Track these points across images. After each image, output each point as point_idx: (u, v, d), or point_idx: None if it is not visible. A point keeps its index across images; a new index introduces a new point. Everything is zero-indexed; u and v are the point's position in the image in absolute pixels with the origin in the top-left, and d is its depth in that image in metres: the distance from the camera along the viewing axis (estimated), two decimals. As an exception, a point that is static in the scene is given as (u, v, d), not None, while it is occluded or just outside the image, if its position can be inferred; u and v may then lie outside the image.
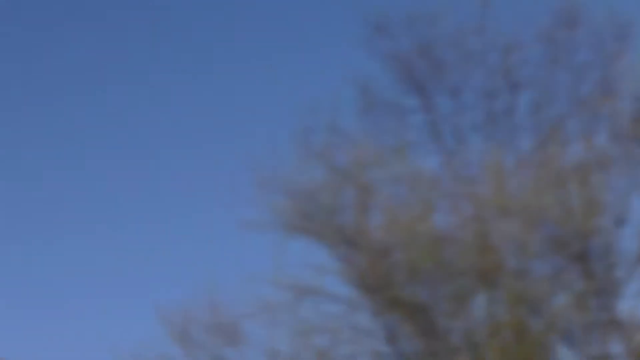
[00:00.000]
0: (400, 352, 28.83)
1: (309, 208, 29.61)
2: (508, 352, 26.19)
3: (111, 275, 76.68)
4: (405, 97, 29.87)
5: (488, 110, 29.02)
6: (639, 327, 27.10)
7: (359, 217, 29.19)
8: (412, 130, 29.65)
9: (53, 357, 69.59)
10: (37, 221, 75.57)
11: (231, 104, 69.55)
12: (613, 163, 27.84)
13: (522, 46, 28.99)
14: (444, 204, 28.67)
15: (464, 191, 28.07)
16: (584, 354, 26.92)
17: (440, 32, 29.20)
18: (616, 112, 28.32)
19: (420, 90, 29.69)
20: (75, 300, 75.09)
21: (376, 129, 29.66)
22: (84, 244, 77.78)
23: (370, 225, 29.09)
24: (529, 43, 29.03)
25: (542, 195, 26.59)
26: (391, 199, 28.99)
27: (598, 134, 28.36)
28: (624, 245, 27.57)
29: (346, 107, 29.53)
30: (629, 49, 28.61)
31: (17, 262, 75.44)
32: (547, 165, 27.27)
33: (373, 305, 29.08)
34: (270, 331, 34.14)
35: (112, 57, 65.60)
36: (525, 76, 29.04)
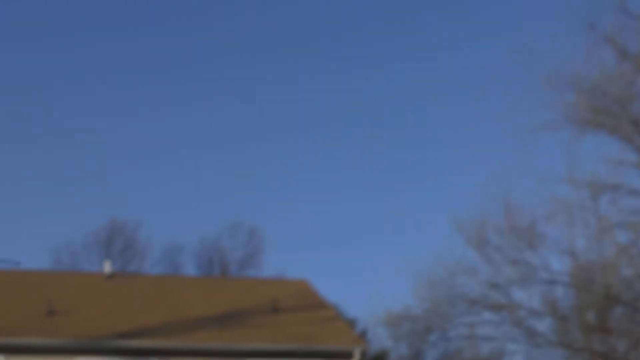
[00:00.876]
0: None
1: (601, 101, 28.49)
2: None
3: (409, 190, 78.04)
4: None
5: None
6: None
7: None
8: None
9: (356, 270, 72.39)
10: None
11: None
12: None
13: None
14: None
15: None
16: None
17: None
18: None
19: None
20: (377, 214, 77.33)
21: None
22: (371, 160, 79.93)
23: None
24: None
25: None
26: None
27: None
28: None
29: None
30: None
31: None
32: None
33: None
34: (569, 231, 33.62)
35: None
36: None
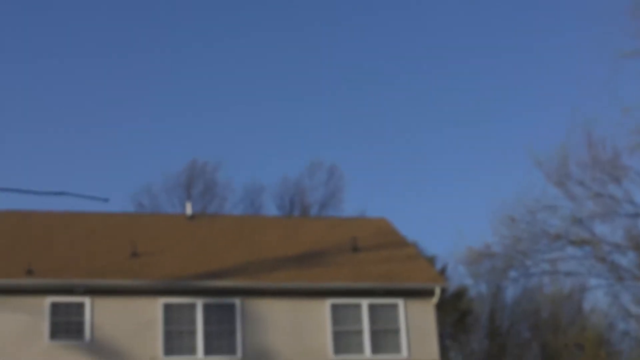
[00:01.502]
0: None
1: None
2: None
3: (489, 126, 77.12)
4: None
5: None
6: None
7: None
8: None
9: (436, 209, 72.07)
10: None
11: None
12: None
13: None
14: None
15: None
16: None
17: None
18: None
19: None
20: (456, 152, 76.71)
21: None
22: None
23: None
24: None
25: None
26: None
27: None
28: None
29: None
30: None
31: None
32: None
33: None
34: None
35: None
36: None
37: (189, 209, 32.81)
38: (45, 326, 24.93)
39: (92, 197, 7.75)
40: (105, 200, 7.68)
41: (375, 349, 26.45)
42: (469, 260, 37.32)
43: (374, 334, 26.58)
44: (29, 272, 25.51)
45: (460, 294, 52.59)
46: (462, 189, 75.91)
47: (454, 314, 51.22)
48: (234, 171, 74.67)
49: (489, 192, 66.38)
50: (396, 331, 26.70)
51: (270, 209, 56.82)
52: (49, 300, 25.20)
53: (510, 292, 54.91)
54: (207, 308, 25.95)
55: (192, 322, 25.74)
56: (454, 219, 73.04)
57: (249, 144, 75.78)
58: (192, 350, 25.51)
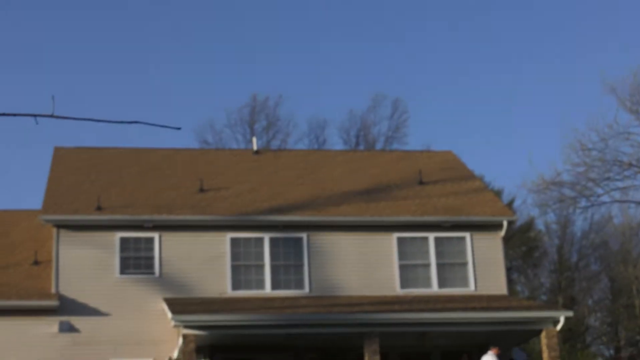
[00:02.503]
0: None
1: None
2: None
3: (558, 52, 75.73)
4: None
5: None
6: None
7: None
8: None
9: (503, 141, 71.19)
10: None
11: None
12: None
13: None
14: None
15: None
16: None
17: None
18: None
19: None
20: (523, 81, 75.55)
21: None
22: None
23: None
24: None
25: None
26: None
27: None
28: None
29: None
30: None
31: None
32: None
33: None
34: None
35: None
36: None
37: (254, 144, 32.87)
38: (115, 261, 25.32)
39: (165, 125, 7.67)
40: (178, 128, 7.61)
41: (442, 282, 26.39)
42: (538, 188, 36.74)
43: (441, 268, 26.50)
44: (99, 208, 25.85)
45: (527, 227, 52.21)
46: (532, 118, 74.94)
47: (522, 247, 50.93)
48: (297, 106, 74.67)
49: (560, 120, 65.36)
50: (463, 265, 26.58)
51: (335, 144, 56.80)
52: (118, 235, 25.54)
53: (579, 225, 54.36)
54: (274, 242, 26.08)
55: (260, 256, 25.91)
56: (523, 149, 72.30)
57: (312, 78, 75.56)
58: (259, 285, 25.72)
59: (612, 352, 50.30)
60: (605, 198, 35.76)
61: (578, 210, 40.19)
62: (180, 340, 22.47)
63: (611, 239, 52.75)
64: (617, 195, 35.95)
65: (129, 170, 29.29)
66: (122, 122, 7.40)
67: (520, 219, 51.40)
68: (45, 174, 29.79)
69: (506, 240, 27.60)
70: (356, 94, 74.96)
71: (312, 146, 55.52)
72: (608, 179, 34.30)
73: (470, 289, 26.36)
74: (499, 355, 23.47)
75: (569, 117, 64.34)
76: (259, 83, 75.80)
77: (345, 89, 74.76)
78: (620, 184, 34.71)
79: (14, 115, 7.34)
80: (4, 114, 7.44)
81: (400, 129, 57.20)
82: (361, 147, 55.50)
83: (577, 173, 34.43)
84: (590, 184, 34.39)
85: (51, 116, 7.34)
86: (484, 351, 23.44)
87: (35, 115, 7.35)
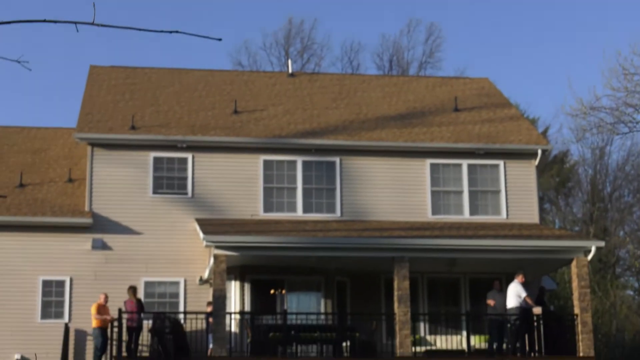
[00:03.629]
0: None
1: None
2: None
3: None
4: None
5: None
6: None
7: None
8: None
9: (541, 68, 70.27)
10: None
11: None
12: None
13: None
14: None
15: None
16: None
17: None
18: None
19: None
20: (555, 8, 74.22)
21: None
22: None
23: None
24: None
25: None
26: None
27: None
28: None
29: None
30: None
31: None
32: None
33: None
34: None
35: None
36: None
37: (289, 67, 32.70)
38: (148, 180, 25.47)
39: (205, 36, 7.56)
40: (219, 39, 7.48)
41: (474, 210, 26.35)
42: (576, 113, 36.06)
43: (473, 195, 26.44)
44: (133, 128, 25.94)
45: (562, 157, 51.88)
46: (571, 43, 73.85)
47: (555, 178, 50.67)
48: (331, 30, 74.04)
49: (601, 44, 64.24)
50: (496, 193, 26.49)
51: (368, 68, 56.50)
52: (152, 155, 25.66)
53: (614, 157, 53.84)
54: (307, 166, 26.09)
55: (292, 179, 25.95)
56: (560, 76, 71.46)
57: (346, 1, 74.69)
58: (291, 208, 25.81)
59: (642, 284, 50.26)
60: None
61: (617, 137, 39.57)
62: (212, 261, 22.67)
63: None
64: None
65: (164, 90, 29.28)
66: (162, 31, 7.34)
67: (555, 149, 51.07)
68: (81, 93, 29.84)
69: (540, 169, 27.40)
70: (390, 18, 74.13)
71: (346, 70, 55.24)
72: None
73: (502, 217, 26.31)
74: (524, 283, 23.52)
75: (611, 41, 63.12)
76: (294, 6, 75.15)
77: (379, 13, 73.98)
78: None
79: (56, 22, 7.31)
80: (46, 21, 7.42)
81: (434, 54, 56.68)
82: (394, 72, 55.10)
83: (617, 98, 33.72)
84: (630, 110, 33.71)
85: (92, 24, 7.30)
86: (513, 279, 23.49)
87: (76, 23, 7.31)
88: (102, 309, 23.19)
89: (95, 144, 25.56)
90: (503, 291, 23.73)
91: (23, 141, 29.16)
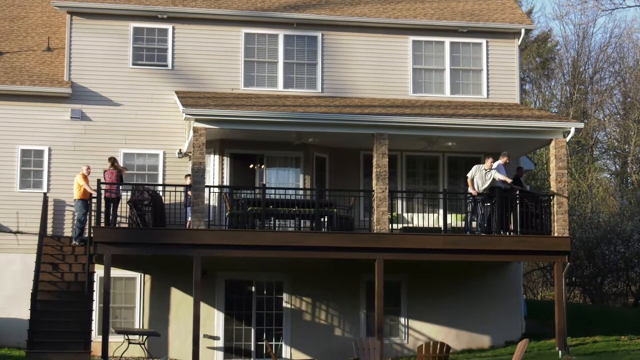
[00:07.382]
0: None
1: None
2: None
3: None
4: None
5: None
6: None
7: None
8: None
9: None
10: None
11: None
12: None
13: None
14: None
15: None
16: None
17: None
18: None
19: None
20: None
21: None
22: None
23: None
24: None
25: None
26: None
27: None
28: None
29: None
30: None
31: None
32: None
33: None
34: None
35: None
36: None
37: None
38: (128, 51, 25.18)
39: None
40: None
41: (455, 89, 26.30)
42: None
43: (455, 74, 26.35)
44: (112, -3, 25.49)
45: (545, 38, 51.58)
46: None
47: (537, 58, 50.48)
48: None
49: None
50: (477, 72, 26.39)
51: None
52: (132, 25, 25.29)
53: (597, 39, 53.52)
54: (288, 40, 25.83)
55: (274, 54, 25.72)
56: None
57: None
58: (272, 82, 25.66)
59: (618, 167, 50.76)
60: (630, 1, 34.64)
61: (600, 17, 39.08)
62: (191, 134, 22.63)
63: (628, 54, 52.22)
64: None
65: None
66: None
67: (538, 29, 50.71)
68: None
69: (522, 50, 27.24)
70: None
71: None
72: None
73: (483, 96, 26.29)
74: (506, 163, 23.66)
75: None
76: None
77: None
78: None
79: None
80: None
81: None
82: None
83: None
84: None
85: None
86: (495, 158, 23.57)
87: None
88: (86, 181, 23.20)
89: (74, 13, 25.13)
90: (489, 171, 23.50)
91: (0, 8, 28.61)
